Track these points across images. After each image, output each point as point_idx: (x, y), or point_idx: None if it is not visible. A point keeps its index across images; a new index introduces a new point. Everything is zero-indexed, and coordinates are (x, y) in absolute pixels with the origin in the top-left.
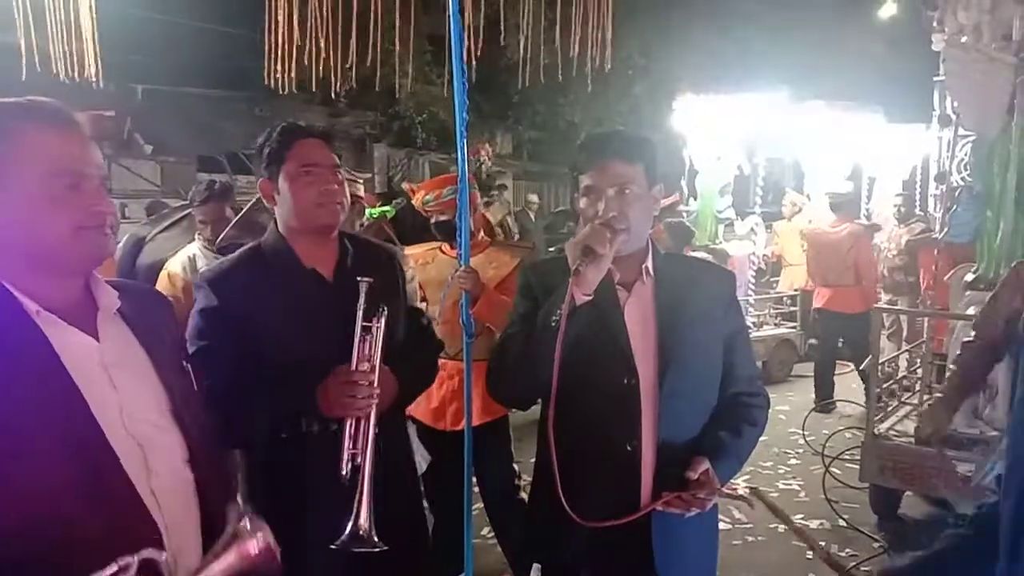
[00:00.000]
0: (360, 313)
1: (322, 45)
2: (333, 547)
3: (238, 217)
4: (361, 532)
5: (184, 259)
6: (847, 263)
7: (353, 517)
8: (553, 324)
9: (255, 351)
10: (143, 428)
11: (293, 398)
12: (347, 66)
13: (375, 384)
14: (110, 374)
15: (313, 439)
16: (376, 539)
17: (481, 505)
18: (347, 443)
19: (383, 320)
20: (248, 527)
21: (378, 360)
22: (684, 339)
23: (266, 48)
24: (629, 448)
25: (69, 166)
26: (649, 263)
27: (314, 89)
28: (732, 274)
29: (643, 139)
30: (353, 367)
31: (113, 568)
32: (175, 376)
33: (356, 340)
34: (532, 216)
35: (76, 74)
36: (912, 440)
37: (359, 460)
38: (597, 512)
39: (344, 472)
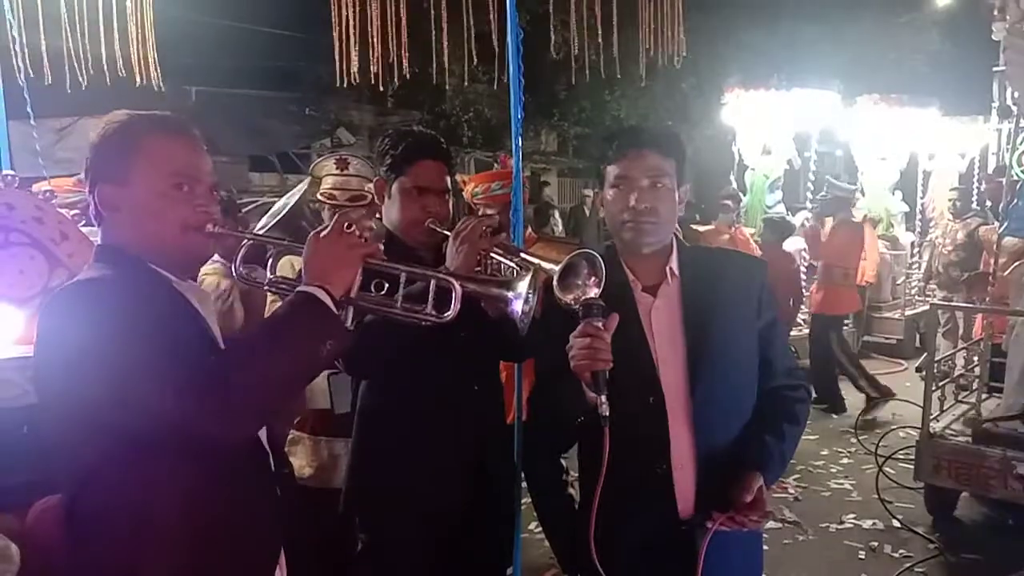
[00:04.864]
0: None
1: (378, 42)
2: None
3: (280, 216)
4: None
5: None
6: None
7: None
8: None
9: None
10: None
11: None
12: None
13: None
14: None
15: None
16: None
17: (529, 500)
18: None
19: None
20: None
21: None
22: (716, 340)
23: (336, 47)
24: (659, 471)
25: (183, 170)
26: (674, 263)
27: (372, 83)
28: (762, 262)
29: (676, 135)
30: None
31: None
32: None
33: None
34: (587, 211)
35: (137, 78)
36: (969, 439)
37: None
38: (634, 537)
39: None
